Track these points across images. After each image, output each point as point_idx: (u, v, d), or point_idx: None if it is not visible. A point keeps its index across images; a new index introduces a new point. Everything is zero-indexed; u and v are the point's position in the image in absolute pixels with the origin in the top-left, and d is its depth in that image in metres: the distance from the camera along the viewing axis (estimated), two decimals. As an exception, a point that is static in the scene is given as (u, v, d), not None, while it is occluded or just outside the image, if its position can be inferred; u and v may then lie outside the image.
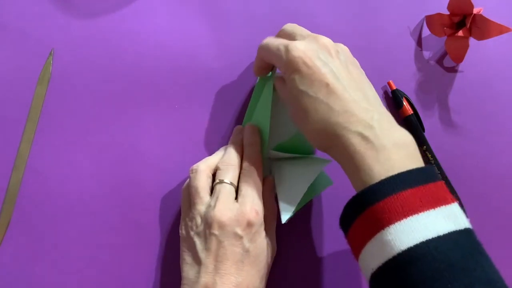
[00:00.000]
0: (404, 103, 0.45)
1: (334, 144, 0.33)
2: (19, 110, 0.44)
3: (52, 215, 0.42)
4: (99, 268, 0.41)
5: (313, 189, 0.41)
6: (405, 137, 0.32)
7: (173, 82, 0.46)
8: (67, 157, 0.43)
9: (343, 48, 0.37)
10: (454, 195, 0.44)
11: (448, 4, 0.45)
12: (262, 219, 0.37)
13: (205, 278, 0.34)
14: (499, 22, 0.42)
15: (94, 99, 0.45)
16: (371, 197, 0.30)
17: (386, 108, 0.46)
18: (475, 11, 0.44)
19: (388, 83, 0.46)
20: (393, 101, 0.46)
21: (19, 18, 0.46)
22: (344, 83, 0.34)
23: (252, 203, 0.36)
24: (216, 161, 0.40)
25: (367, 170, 0.30)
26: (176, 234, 0.40)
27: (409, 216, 0.28)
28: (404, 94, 0.46)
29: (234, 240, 0.35)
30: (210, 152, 0.44)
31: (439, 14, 0.46)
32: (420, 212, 0.28)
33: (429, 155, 0.45)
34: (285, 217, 0.37)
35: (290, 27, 0.39)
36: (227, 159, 0.39)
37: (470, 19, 0.44)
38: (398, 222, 0.28)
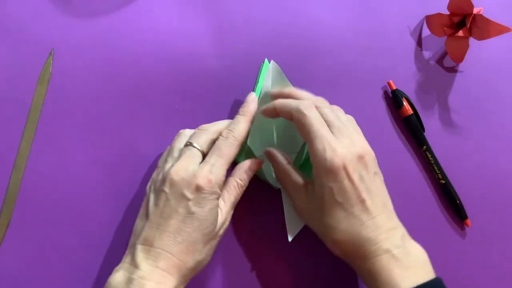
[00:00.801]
0: (404, 103, 0.45)
1: (360, 256, 0.35)
2: (19, 110, 0.44)
3: (52, 215, 0.42)
4: (99, 268, 0.41)
5: None
6: (423, 254, 0.35)
7: (173, 82, 0.46)
8: (67, 157, 0.43)
9: (373, 156, 0.38)
10: (454, 195, 0.44)
11: (448, 4, 0.45)
12: (216, 189, 0.36)
13: (146, 232, 0.35)
14: (499, 22, 0.42)
15: (94, 99, 0.45)
16: None
17: (386, 108, 0.47)
18: (475, 11, 0.44)
19: (388, 83, 0.46)
20: (393, 101, 0.46)
21: (19, 18, 0.46)
22: (374, 199, 0.36)
23: (209, 170, 0.36)
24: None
25: (394, 286, 0.33)
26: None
27: None
28: (404, 94, 0.46)
29: (180, 200, 0.35)
30: (210, 152, 0.44)
31: (439, 14, 0.46)
32: None
33: (429, 155, 0.45)
34: (291, 236, 0.40)
35: (328, 109, 0.38)
36: (206, 125, 0.40)
37: (470, 19, 0.44)
38: None
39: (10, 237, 0.42)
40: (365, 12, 0.49)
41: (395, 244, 0.34)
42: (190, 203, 0.35)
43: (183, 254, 0.34)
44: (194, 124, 0.45)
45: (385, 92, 0.47)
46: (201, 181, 0.35)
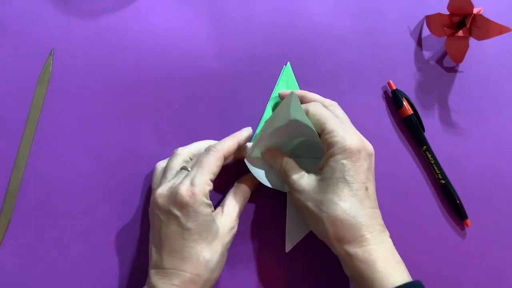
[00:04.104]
0: (404, 103, 0.45)
1: (354, 240, 0.35)
2: (19, 110, 0.44)
3: (52, 215, 0.42)
4: (99, 268, 0.41)
5: None
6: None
7: (173, 82, 0.46)
8: (67, 157, 0.43)
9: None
10: (454, 195, 0.44)
11: (448, 4, 0.45)
12: (202, 198, 0.35)
13: (153, 257, 0.36)
14: (499, 22, 0.42)
15: (94, 99, 0.45)
16: None
17: (386, 108, 0.47)
18: (475, 11, 0.44)
19: (388, 83, 0.46)
20: (393, 101, 0.46)
21: (19, 18, 0.46)
22: (374, 194, 0.38)
23: (190, 184, 0.35)
24: (199, 147, 0.40)
25: (389, 276, 0.34)
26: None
27: None
28: (404, 94, 0.46)
29: (172, 219, 0.35)
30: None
31: (439, 14, 0.46)
32: None
33: (429, 155, 0.45)
34: (289, 247, 0.41)
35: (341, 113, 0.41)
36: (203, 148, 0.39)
37: (470, 19, 0.44)
38: None
39: (10, 237, 0.42)
40: (365, 12, 0.49)
41: (386, 240, 0.36)
42: (181, 219, 0.35)
43: (194, 268, 0.35)
44: (193, 124, 0.45)
45: (385, 92, 0.47)
46: (184, 196, 0.35)
